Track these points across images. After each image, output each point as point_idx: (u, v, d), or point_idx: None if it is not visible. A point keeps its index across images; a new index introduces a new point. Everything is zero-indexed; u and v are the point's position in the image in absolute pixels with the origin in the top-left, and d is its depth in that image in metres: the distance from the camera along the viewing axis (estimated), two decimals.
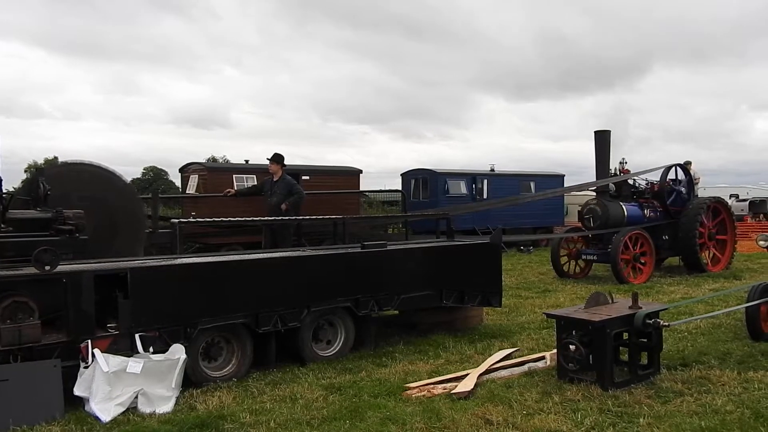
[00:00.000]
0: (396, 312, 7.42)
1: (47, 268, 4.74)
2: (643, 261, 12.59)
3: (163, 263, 5.81)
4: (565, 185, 22.29)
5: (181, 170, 16.97)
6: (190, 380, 5.39)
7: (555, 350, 5.84)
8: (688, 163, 15.02)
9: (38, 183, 5.68)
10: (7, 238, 5.17)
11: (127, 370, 4.78)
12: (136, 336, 5.09)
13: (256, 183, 13.38)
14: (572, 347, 5.37)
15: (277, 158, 9.67)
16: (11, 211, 5.25)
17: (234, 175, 15.49)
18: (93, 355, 4.77)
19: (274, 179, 9.65)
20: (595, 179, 13.58)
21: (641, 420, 4.59)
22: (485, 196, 20.58)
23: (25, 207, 5.72)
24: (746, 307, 6.86)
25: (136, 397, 4.84)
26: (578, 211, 13.87)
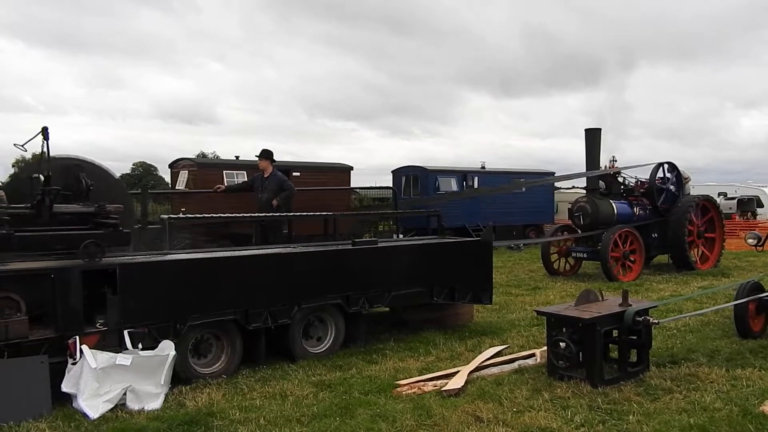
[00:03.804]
0: (386, 309, 7.41)
1: (96, 259, 5.06)
2: (632, 259, 12.66)
3: (153, 259, 5.77)
4: (556, 183, 22.37)
5: (171, 166, 16.89)
6: (179, 377, 5.36)
7: (545, 347, 5.85)
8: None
9: (80, 178, 5.76)
10: (57, 232, 5.30)
11: (117, 362, 4.75)
12: (125, 332, 5.06)
13: (246, 179, 13.33)
14: (562, 344, 5.38)
15: (266, 154, 9.62)
16: (56, 205, 5.34)
17: (224, 171, 15.44)
18: (81, 351, 4.73)
19: (264, 175, 9.60)
20: (585, 178, 13.63)
21: (630, 417, 4.61)
22: None
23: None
24: (735, 305, 6.90)
25: (125, 393, 4.81)
26: (568, 209, 13.92)
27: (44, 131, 5.34)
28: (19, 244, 5.07)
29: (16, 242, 5.01)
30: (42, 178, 5.28)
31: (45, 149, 5.36)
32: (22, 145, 5.45)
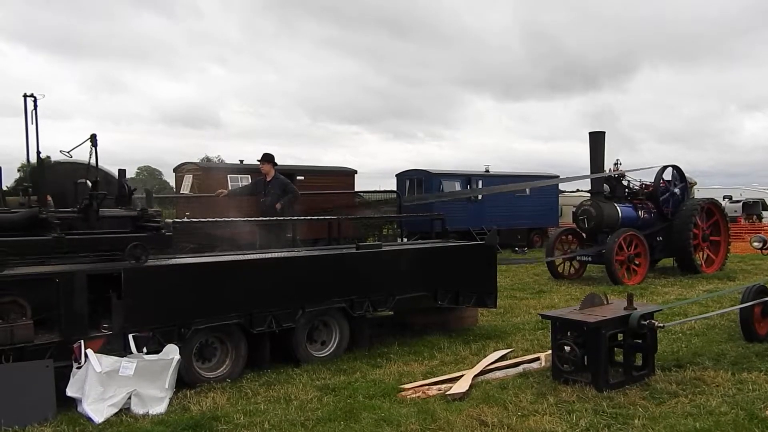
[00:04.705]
0: (391, 313, 7.40)
1: (140, 261, 5.24)
2: (637, 262, 12.62)
3: (157, 263, 5.77)
4: (560, 187, 22.36)
5: (176, 170, 16.94)
6: (184, 381, 5.36)
7: (550, 351, 5.83)
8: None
9: (122, 183, 5.94)
10: (104, 235, 5.50)
11: (120, 373, 4.75)
12: (130, 336, 5.06)
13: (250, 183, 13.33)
14: (567, 348, 5.37)
15: (268, 158, 9.62)
16: (102, 209, 5.53)
17: (228, 175, 15.46)
18: (86, 355, 4.74)
19: (267, 179, 9.60)
20: (589, 182, 13.61)
21: (636, 421, 4.59)
22: (480, 196, 20.61)
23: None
24: (740, 309, 6.87)
25: (129, 397, 4.81)
26: (573, 212, 13.89)
27: (93, 138, 5.50)
28: (70, 247, 5.22)
29: (66, 245, 5.16)
30: (89, 183, 5.43)
31: (93, 156, 5.51)
32: (68, 152, 5.57)
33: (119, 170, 6.12)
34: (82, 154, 5.66)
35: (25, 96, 5.36)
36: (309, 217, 9.49)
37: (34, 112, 5.37)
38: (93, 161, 5.52)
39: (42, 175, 5.51)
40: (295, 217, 9.23)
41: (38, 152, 5.48)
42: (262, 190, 9.61)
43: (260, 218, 8.97)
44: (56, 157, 5.85)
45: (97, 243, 5.44)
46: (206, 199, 13.73)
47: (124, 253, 5.25)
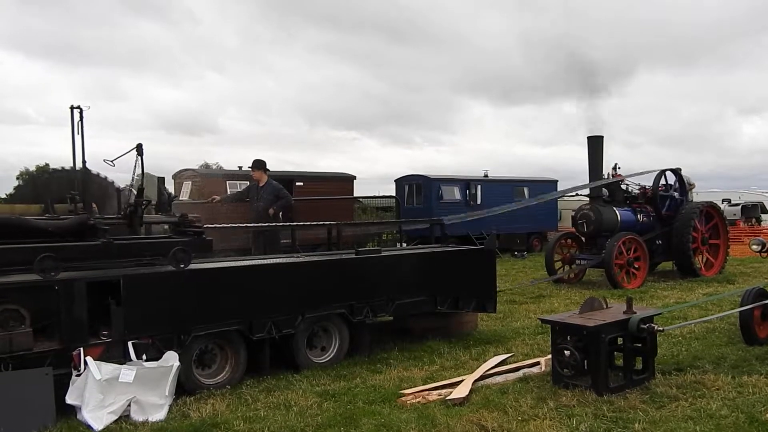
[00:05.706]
0: (391, 318, 7.40)
1: (184, 265, 5.38)
2: (636, 266, 12.62)
3: (156, 270, 5.77)
4: (559, 190, 22.37)
5: (175, 176, 16.94)
6: (184, 388, 5.36)
7: (550, 356, 5.83)
8: (679, 170, 15.09)
9: (161, 190, 6.14)
10: (148, 240, 5.71)
11: (120, 380, 4.75)
12: (129, 343, 5.06)
13: None
14: (567, 352, 5.36)
15: (259, 164, 9.65)
16: (145, 215, 5.70)
17: (227, 182, 15.47)
18: (85, 362, 4.74)
19: (260, 185, 9.62)
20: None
21: (636, 425, 4.58)
22: (479, 201, 20.62)
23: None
24: (740, 312, 6.86)
25: (129, 405, 4.81)
26: (572, 216, 13.90)
27: (138, 147, 5.66)
28: (117, 252, 5.37)
29: (114, 250, 5.31)
30: (135, 191, 5.61)
31: (139, 164, 5.63)
32: (112, 161, 5.68)
33: (158, 178, 6.27)
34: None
35: (71, 108, 5.48)
36: (306, 223, 9.49)
37: (80, 123, 5.47)
38: (139, 170, 5.66)
39: (88, 184, 5.64)
40: (294, 223, 9.25)
41: (84, 161, 5.58)
42: (254, 195, 9.63)
43: (259, 225, 8.98)
44: (56, 165, 5.93)
45: (143, 248, 5.59)
46: (201, 206, 13.73)
47: (167, 258, 5.37)
